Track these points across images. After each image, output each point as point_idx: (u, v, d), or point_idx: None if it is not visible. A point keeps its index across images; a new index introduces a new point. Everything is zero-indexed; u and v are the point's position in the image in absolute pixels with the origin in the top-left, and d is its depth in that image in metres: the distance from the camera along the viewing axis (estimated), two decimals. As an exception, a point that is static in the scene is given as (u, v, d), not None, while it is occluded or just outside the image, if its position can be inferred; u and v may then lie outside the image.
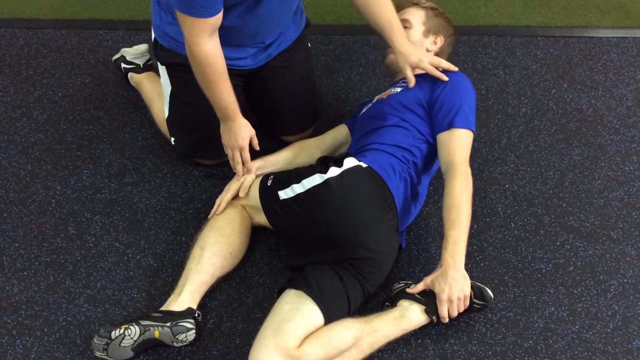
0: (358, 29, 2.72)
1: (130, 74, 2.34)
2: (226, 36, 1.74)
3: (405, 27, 1.92)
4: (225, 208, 1.82)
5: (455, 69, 1.86)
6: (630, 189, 2.04)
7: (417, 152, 1.79)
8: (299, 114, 2.13)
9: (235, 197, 1.85)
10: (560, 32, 2.70)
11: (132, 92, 2.38)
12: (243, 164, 1.86)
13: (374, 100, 1.98)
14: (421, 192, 1.82)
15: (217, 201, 1.85)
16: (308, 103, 2.14)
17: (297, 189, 1.70)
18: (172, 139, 2.07)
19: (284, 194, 1.71)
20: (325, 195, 1.66)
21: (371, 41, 2.65)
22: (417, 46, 1.92)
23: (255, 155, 1.91)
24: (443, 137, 1.75)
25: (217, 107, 1.79)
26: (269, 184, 1.77)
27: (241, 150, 1.84)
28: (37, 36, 2.67)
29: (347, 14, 2.81)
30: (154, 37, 1.95)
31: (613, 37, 2.67)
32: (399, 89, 1.93)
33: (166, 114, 2.04)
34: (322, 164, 1.75)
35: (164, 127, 2.12)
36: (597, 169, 2.11)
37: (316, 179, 1.68)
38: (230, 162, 1.88)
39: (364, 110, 1.99)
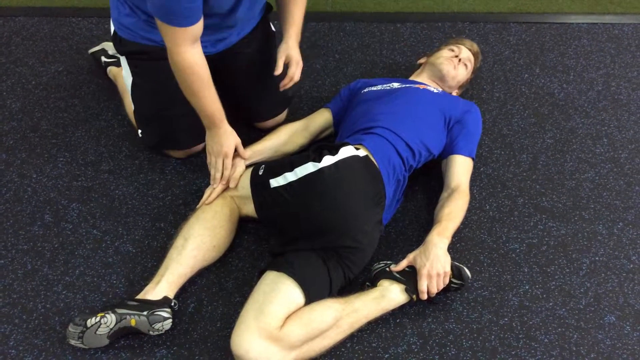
0: (334, 16, 2.74)
1: (109, 68, 2.33)
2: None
3: (465, 65, 2.18)
4: (215, 199, 1.80)
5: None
6: (601, 171, 2.09)
7: (418, 157, 1.83)
8: (266, 100, 2.13)
9: (226, 188, 1.84)
10: (532, 19, 2.75)
11: (106, 80, 2.37)
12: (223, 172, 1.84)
13: (398, 85, 2.01)
14: (404, 192, 1.87)
15: (207, 191, 1.82)
16: (274, 88, 2.11)
17: (290, 177, 1.70)
18: (139, 131, 2.05)
19: (276, 182, 1.71)
20: (317, 184, 1.66)
21: (347, 28, 2.66)
22: (456, 85, 2.16)
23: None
24: (460, 160, 1.90)
25: (203, 115, 1.77)
26: (260, 173, 1.77)
27: (225, 157, 1.82)
28: (9, 24, 2.63)
29: (323, 0, 2.82)
30: (114, 30, 1.92)
31: (584, 23, 2.72)
32: (435, 90, 2.01)
33: (133, 106, 2.03)
34: (315, 152, 1.75)
35: (134, 120, 2.11)
36: (568, 152, 2.16)
37: (309, 168, 1.68)
38: (211, 169, 1.85)
39: (376, 88, 2.01)
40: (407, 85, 2.01)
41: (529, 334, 1.66)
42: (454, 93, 2.18)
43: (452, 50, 2.18)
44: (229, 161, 1.83)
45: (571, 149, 2.16)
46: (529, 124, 2.25)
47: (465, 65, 2.18)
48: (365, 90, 2.03)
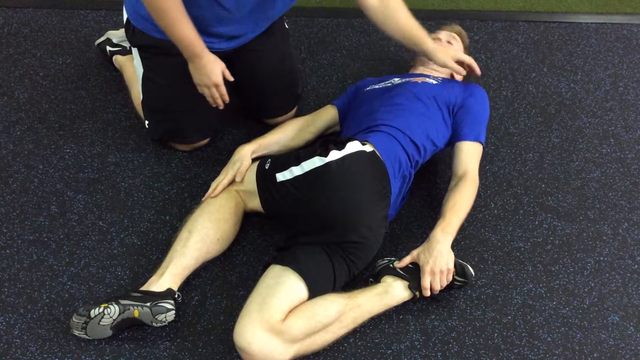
0: (341, 12, 2.73)
1: (115, 57, 2.33)
2: (197, 23, 1.74)
3: (449, 42, 2.15)
4: (220, 192, 1.80)
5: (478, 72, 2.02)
6: (607, 171, 2.09)
7: (423, 152, 1.82)
8: (279, 97, 2.13)
9: (232, 182, 1.83)
10: (540, 17, 2.74)
11: (114, 72, 2.37)
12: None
13: (398, 81, 2.00)
14: (409, 189, 1.87)
15: (213, 184, 1.82)
16: (288, 85, 2.13)
17: (296, 171, 1.70)
18: (146, 122, 2.06)
19: (282, 176, 1.71)
20: (324, 178, 1.66)
21: (355, 24, 2.66)
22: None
23: (230, 92, 1.89)
24: (466, 146, 1.88)
25: (182, 45, 1.73)
26: (266, 167, 1.77)
27: (217, 86, 1.80)
28: (18, 15, 2.64)
29: (331, -4, 2.82)
30: (126, 18, 1.92)
31: (592, 23, 2.71)
32: (434, 82, 1.99)
33: (141, 96, 2.03)
34: (321, 147, 1.74)
35: (140, 110, 2.11)
36: (575, 151, 2.15)
37: (316, 162, 1.68)
38: (209, 100, 1.84)
39: (378, 86, 2.00)
40: (406, 80, 2.00)
41: (532, 332, 1.66)
42: (458, 78, 2.14)
43: (433, 37, 2.15)
44: (222, 88, 1.81)
45: (577, 149, 2.16)
46: (535, 123, 2.25)
47: (449, 42, 2.15)
48: (367, 89, 2.02)
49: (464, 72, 1.97)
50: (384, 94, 1.95)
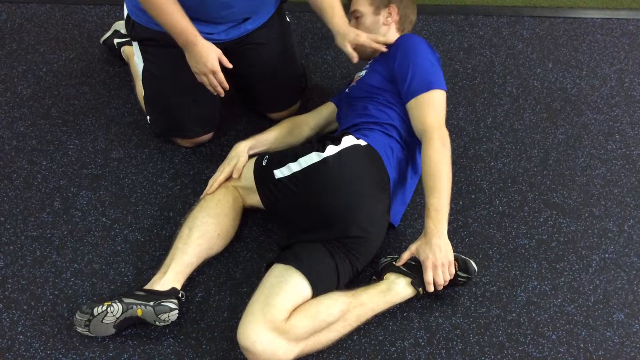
0: (345, 8, 2.71)
1: (123, 48, 2.33)
2: (195, 10, 1.73)
3: (357, 18, 1.99)
4: (217, 188, 1.80)
5: (391, 41, 1.86)
6: (613, 167, 2.08)
7: (401, 128, 1.78)
8: (281, 91, 2.12)
9: (229, 178, 1.83)
10: (546, 13, 2.72)
11: (117, 68, 2.37)
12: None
13: (352, 84, 1.99)
14: (417, 171, 1.84)
15: (210, 181, 1.82)
16: (289, 79, 2.12)
17: (294, 167, 1.69)
18: (148, 117, 2.06)
19: (280, 173, 1.71)
20: (322, 173, 1.66)
21: (358, 19, 2.64)
22: (374, 27, 1.96)
23: (229, 81, 1.85)
24: (410, 107, 1.75)
25: (175, 33, 1.73)
26: (264, 164, 1.76)
27: (214, 73, 1.78)
28: (21, 11, 2.63)
29: (335, -9, 2.80)
30: (127, 14, 1.92)
31: (598, 18, 2.70)
32: (363, 72, 1.95)
33: (143, 92, 2.03)
34: (319, 142, 1.74)
35: (143, 104, 2.11)
36: (580, 148, 2.14)
37: (313, 157, 1.68)
38: (209, 88, 1.82)
39: (346, 91, 2.00)
40: (351, 84, 1.98)
41: (536, 330, 1.65)
42: (391, 24, 1.97)
43: None
44: (220, 75, 1.79)
45: (583, 145, 2.15)
46: (540, 119, 2.24)
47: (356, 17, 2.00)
48: (343, 93, 2.01)
49: (355, 60, 1.80)
50: (345, 98, 1.96)
